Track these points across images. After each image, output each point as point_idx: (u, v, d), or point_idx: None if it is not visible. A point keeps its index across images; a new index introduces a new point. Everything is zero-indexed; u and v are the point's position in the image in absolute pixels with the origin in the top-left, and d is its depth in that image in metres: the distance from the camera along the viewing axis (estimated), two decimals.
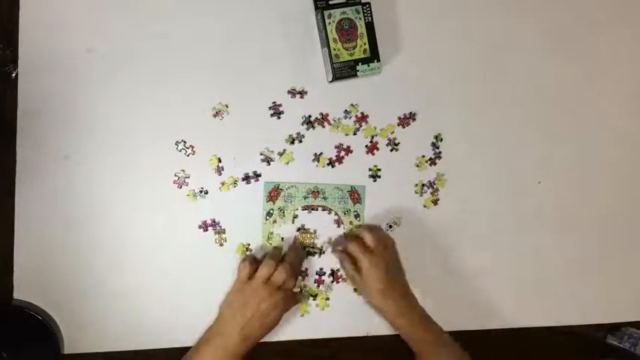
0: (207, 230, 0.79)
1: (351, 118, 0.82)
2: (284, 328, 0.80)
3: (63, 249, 0.75)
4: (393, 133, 0.83)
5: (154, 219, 0.77)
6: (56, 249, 0.75)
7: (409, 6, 0.83)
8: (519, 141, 0.86)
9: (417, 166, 0.83)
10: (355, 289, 0.82)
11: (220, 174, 0.79)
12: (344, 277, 0.82)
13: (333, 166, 0.82)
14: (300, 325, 0.81)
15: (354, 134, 0.82)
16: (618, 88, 0.89)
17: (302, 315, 0.81)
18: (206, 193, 0.78)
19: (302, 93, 0.79)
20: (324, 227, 0.82)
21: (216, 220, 0.79)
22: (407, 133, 0.83)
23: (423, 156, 0.83)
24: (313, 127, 0.81)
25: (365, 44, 0.78)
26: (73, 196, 0.75)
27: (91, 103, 0.76)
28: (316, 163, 0.81)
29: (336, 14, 0.77)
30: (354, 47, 0.78)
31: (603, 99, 0.89)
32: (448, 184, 0.84)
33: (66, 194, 0.75)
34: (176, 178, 0.78)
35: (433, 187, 0.84)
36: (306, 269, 0.81)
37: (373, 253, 0.75)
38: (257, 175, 0.80)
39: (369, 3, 0.78)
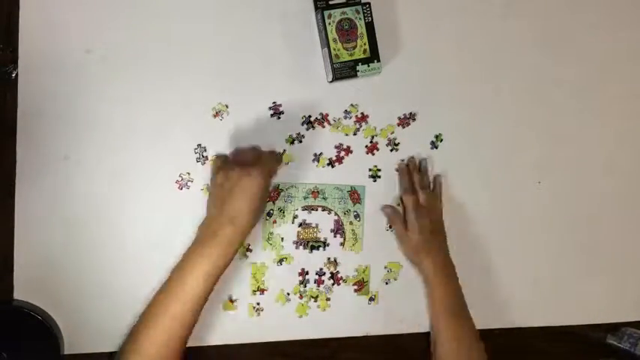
0: None
1: (351, 118, 0.82)
2: (284, 328, 0.80)
3: (63, 249, 0.75)
4: (393, 133, 0.83)
5: (154, 219, 0.77)
6: (56, 249, 0.75)
7: (409, 6, 0.83)
8: (519, 141, 0.86)
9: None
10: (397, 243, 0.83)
11: None
12: (344, 278, 0.82)
13: (333, 166, 0.82)
14: (300, 325, 0.81)
15: (354, 134, 0.82)
16: (618, 88, 0.89)
17: (300, 316, 0.81)
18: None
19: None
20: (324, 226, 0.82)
21: None
22: (407, 133, 0.83)
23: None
24: (313, 127, 0.81)
25: (365, 44, 0.78)
26: (73, 196, 0.75)
27: (91, 103, 0.76)
28: (316, 163, 0.81)
29: (336, 14, 0.77)
30: (354, 47, 0.78)
31: (603, 99, 0.89)
32: (448, 183, 0.84)
33: (66, 194, 0.75)
34: (179, 179, 0.78)
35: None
36: (307, 272, 0.81)
37: (421, 210, 0.79)
38: None
39: (369, 3, 0.78)
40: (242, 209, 0.68)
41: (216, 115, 0.79)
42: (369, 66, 0.78)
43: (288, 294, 0.80)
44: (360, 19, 0.77)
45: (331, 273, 0.82)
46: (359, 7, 0.77)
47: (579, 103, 0.88)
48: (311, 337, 0.82)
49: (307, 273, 0.81)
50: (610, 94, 0.89)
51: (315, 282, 0.81)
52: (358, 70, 0.78)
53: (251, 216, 0.68)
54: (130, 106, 0.76)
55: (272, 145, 0.80)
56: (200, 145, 0.78)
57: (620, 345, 0.86)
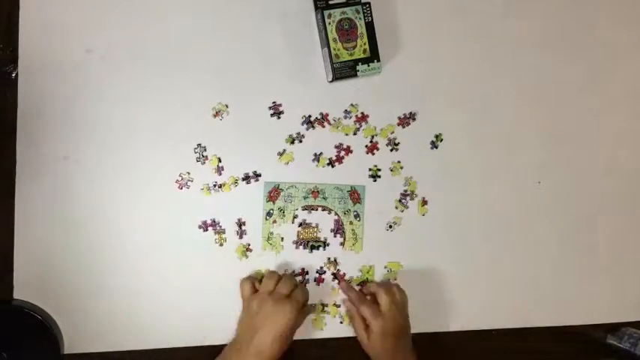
0: (207, 230, 0.79)
1: (351, 118, 0.82)
2: None
3: (63, 249, 0.75)
4: (393, 133, 0.83)
5: (154, 219, 0.77)
6: (56, 249, 0.75)
7: (409, 6, 0.83)
8: (519, 141, 0.86)
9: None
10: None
11: (220, 174, 0.79)
12: (348, 280, 0.82)
13: (333, 166, 0.82)
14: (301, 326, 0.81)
15: (354, 134, 0.82)
16: (618, 88, 0.89)
17: (321, 329, 0.81)
18: (220, 187, 0.78)
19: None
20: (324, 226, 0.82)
21: (216, 220, 0.79)
22: (407, 133, 0.83)
23: None
24: (313, 127, 0.81)
25: (365, 44, 0.78)
26: (73, 196, 0.75)
27: (91, 103, 0.76)
28: (316, 163, 0.81)
29: (336, 14, 0.77)
30: (354, 47, 0.78)
31: (603, 99, 0.89)
32: (448, 183, 0.84)
33: (66, 194, 0.75)
34: (180, 179, 0.78)
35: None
36: (307, 272, 0.81)
37: (385, 317, 0.75)
38: (257, 175, 0.80)
39: (369, 3, 0.78)
40: (270, 343, 0.70)
41: (216, 115, 0.79)
42: (369, 66, 0.78)
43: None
44: (360, 18, 0.77)
45: (332, 274, 0.82)
46: (359, 7, 0.77)
47: (579, 103, 0.88)
48: (311, 337, 0.82)
49: (307, 273, 0.81)
50: (610, 94, 0.89)
51: (314, 280, 0.81)
52: (358, 70, 0.78)
53: (277, 350, 0.71)
54: (129, 106, 0.76)
55: (272, 144, 0.80)
56: (200, 144, 0.78)
57: (620, 345, 0.86)
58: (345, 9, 0.77)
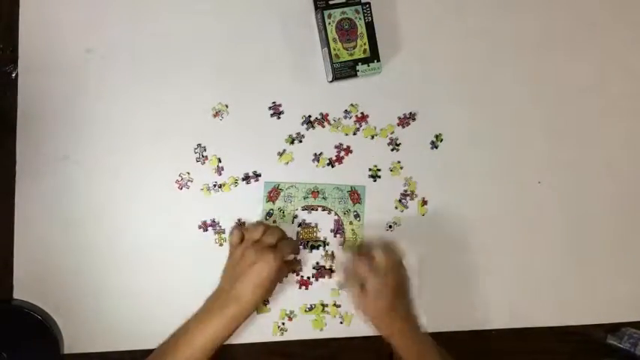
0: (207, 230, 0.79)
1: (351, 118, 0.82)
2: (285, 329, 0.80)
3: (63, 249, 0.75)
4: (393, 133, 0.83)
5: (154, 219, 0.77)
6: (56, 249, 0.75)
7: (409, 6, 0.83)
8: (519, 141, 0.86)
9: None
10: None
11: (220, 174, 0.79)
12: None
13: (333, 166, 0.82)
14: (301, 326, 0.81)
15: (354, 134, 0.82)
16: (619, 87, 0.89)
17: (321, 329, 0.81)
18: (220, 187, 0.78)
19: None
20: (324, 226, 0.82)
21: (216, 220, 0.79)
22: (407, 133, 0.83)
23: None
24: (313, 127, 0.81)
25: (365, 44, 0.78)
26: (73, 196, 0.75)
27: (91, 103, 0.76)
28: (316, 163, 0.81)
29: (336, 14, 0.77)
30: (354, 47, 0.78)
31: (604, 98, 0.89)
32: (448, 183, 0.84)
33: (65, 194, 0.75)
34: (179, 179, 0.78)
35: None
36: (308, 277, 0.81)
37: (379, 274, 0.72)
38: (257, 175, 0.80)
39: (369, 3, 0.78)
40: (251, 291, 0.70)
41: (216, 115, 0.79)
42: (369, 66, 0.78)
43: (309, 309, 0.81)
44: (360, 18, 0.77)
45: (329, 267, 0.81)
46: (359, 7, 0.77)
47: (580, 102, 0.88)
48: (311, 337, 0.81)
49: (309, 278, 0.81)
50: (611, 93, 0.89)
51: (313, 276, 0.81)
52: (358, 70, 0.78)
53: (257, 297, 0.71)
54: (129, 106, 0.76)
55: (272, 144, 0.80)
56: (200, 144, 0.78)
57: (620, 345, 0.86)
58: (345, 9, 0.77)
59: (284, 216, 0.80)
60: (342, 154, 0.82)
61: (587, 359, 0.88)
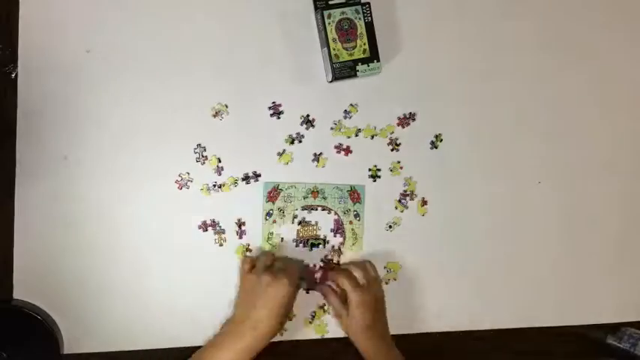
0: (207, 230, 0.79)
1: (351, 118, 0.82)
2: (284, 329, 0.80)
3: (63, 249, 0.75)
4: (393, 133, 0.83)
5: (154, 219, 0.77)
6: (56, 249, 0.75)
7: (409, 6, 0.83)
8: (519, 141, 0.86)
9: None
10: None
11: (220, 174, 0.79)
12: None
13: (333, 167, 0.81)
14: (301, 326, 0.81)
15: (355, 135, 0.82)
16: (618, 87, 0.89)
17: (322, 335, 0.82)
18: (219, 187, 0.78)
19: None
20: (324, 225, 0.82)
21: (216, 220, 0.79)
22: (407, 133, 0.83)
23: None
24: (313, 127, 0.81)
25: (365, 44, 0.78)
26: (73, 196, 0.75)
27: (91, 103, 0.76)
28: (316, 163, 0.81)
29: (336, 14, 0.77)
30: (354, 47, 0.77)
31: (603, 98, 0.89)
32: (448, 183, 0.84)
33: (66, 194, 0.75)
34: (179, 179, 0.78)
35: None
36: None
37: (363, 289, 0.75)
38: (257, 176, 0.80)
39: (368, 3, 0.78)
40: (268, 317, 0.70)
41: (216, 115, 0.79)
42: (368, 66, 0.78)
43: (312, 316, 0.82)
44: (359, 19, 0.77)
45: (337, 262, 0.81)
46: (359, 7, 0.77)
47: (579, 102, 0.88)
48: (311, 337, 0.81)
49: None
50: (610, 93, 0.89)
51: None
52: (358, 70, 0.78)
53: (275, 323, 0.71)
54: (129, 106, 0.76)
55: (272, 145, 0.80)
56: (200, 145, 0.78)
57: (620, 345, 0.86)
58: (344, 9, 0.77)
59: (284, 216, 0.80)
60: (342, 154, 0.82)
61: (587, 359, 0.88)
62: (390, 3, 0.82)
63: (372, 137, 0.82)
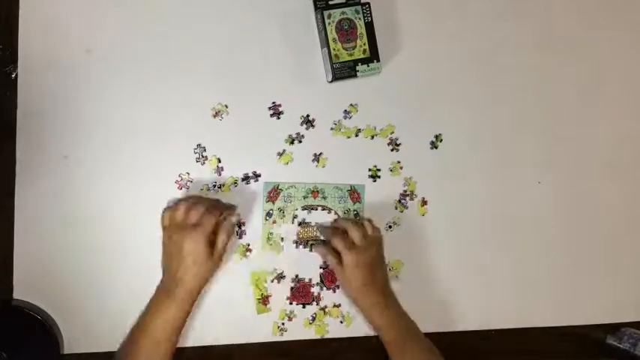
0: None
1: (351, 118, 0.82)
2: (284, 329, 0.80)
3: (63, 249, 0.75)
4: (393, 133, 0.83)
5: (154, 219, 0.77)
6: (56, 249, 0.75)
7: (409, 6, 0.83)
8: (519, 141, 0.86)
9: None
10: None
11: (220, 174, 0.79)
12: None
13: (333, 166, 0.81)
14: (301, 326, 0.81)
15: (356, 135, 0.82)
16: (618, 88, 0.89)
17: (322, 336, 0.82)
18: (219, 187, 0.78)
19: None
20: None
21: None
22: (407, 133, 0.83)
23: None
24: (313, 127, 0.81)
25: (364, 44, 0.78)
26: (73, 196, 0.75)
27: (91, 103, 0.76)
28: (316, 163, 0.81)
29: (336, 14, 0.77)
30: (354, 47, 0.78)
31: (603, 99, 0.89)
32: (448, 183, 0.84)
33: (66, 194, 0.75)
34: (179, 179, 0.78)
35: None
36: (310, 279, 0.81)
37: (358, 249, 0.74)
38: (257, 176, 0.80)
39: (368, 3, 0.78)
40: (186, 271, 0.70)
41: (215, 115, 0.79)
42: (368, 66, 0.78)
43: (314, 318, 0.82)
44: (359, 19, 0.78)
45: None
46: (359, 7, 0.77)
47: (579, 103, 0.88)
48: (311, 338, 0.81)
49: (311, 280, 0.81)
50: (610, 94, 0.89)
51: (320, 276, 0.81)
52: (358, 70, 0.78)
53: (195, 276, 0.71)
54: (129, 106, 0.76)
55: (272, 145, 0.80)
56: (200, 145, 0.78)
57: (620, 345, 0.86)
58: (344, 9, 0.77)
59: (284, 216, 0.80)
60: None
61: (587, 359, 0.88)
62: (390, 3, 0.82)
63: (372, 137, 0.82)
